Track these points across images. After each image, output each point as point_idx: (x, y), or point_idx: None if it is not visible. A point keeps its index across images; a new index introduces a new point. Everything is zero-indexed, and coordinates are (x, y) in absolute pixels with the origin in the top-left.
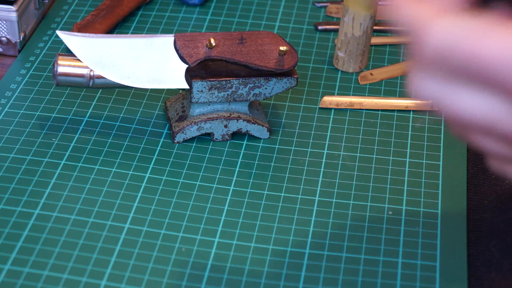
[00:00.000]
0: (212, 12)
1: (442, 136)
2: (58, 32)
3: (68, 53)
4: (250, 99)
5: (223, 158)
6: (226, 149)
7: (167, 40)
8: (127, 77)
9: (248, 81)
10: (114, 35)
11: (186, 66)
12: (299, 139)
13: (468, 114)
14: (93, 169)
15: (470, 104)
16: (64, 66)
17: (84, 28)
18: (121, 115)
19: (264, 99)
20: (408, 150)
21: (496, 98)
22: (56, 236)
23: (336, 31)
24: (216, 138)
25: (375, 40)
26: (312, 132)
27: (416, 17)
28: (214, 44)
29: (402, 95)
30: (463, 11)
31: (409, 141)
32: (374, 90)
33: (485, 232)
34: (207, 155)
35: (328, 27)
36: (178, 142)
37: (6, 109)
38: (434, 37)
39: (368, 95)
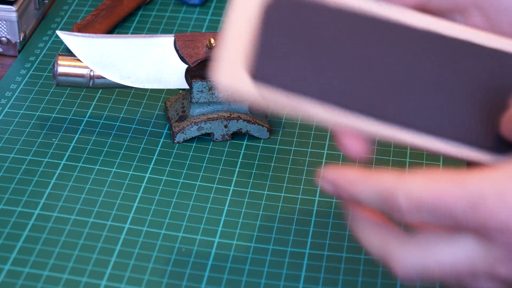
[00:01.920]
0: (212, 12)
1: None
2: (58, 32)
3: (68, 53)
4: None
5: (223, 158)
6: (226, 149)
7: (167, 40)
8: (127, 77)
9: None
10: (114, 35)
11: (186, 66)
12: (299, 139)
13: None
14: (93, 169)
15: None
16: (64, 66)
17: (84, 28)
18: (121, 115)
19: None
20: (408, 151)
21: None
22: (56, 236)
23: None
24: (216, 138)
25: None
26: (312, 132)
27: (383, 185)
28: (214, 44)
29: None
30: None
31: None
32: None
33: None
34: (207, 155)
35: None
36: (178, 142)
37: (6, 109)
38: (404, 199)
39: None
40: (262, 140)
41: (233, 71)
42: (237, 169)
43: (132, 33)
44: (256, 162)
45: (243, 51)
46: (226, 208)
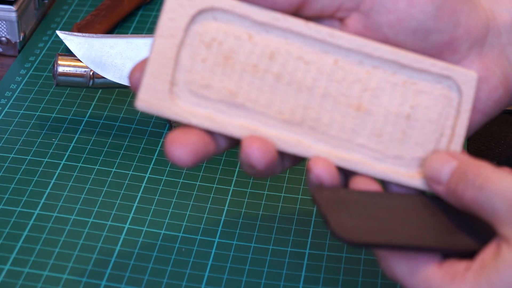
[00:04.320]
0: None
1: None
2: (58, 32)
3: (68, 53)
4: None
5: (223, 158)
6: None
7: None
8: (127, 77)
9: None
10: (114, 35)
11: None
12: None
13: None
14: (93, 169)
15: None
16: (64, 66)
17: (84, 28)
18: (121, 115)
19: None
20: None
21: None
22: (56, 236)
23: None
24: None
25: None
26: None
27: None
28: None
29: None
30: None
31: None
32: None
33: None
34: None
35: None
36: None
37: (6, 109)
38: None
39: None
40: None
41: (155, 90)
42: (237, 169)
43: (132, 33)
44: None
45: (166, 72)
46: (226, 208)
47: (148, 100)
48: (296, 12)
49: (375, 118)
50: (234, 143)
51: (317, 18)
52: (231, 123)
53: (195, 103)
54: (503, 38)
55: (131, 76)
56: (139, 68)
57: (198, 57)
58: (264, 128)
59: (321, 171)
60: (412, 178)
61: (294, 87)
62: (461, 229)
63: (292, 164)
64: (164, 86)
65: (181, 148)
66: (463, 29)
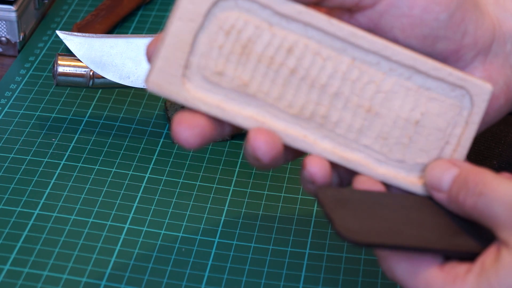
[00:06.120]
0: None
1: None
2: (58, 32)
3: (68, 53)
4: None
5: (223, 158)
6: (226, 149)
7: None
8: (127, 77)
9: None
10: (114, 35)
11: None
12: None
13: None
14: (93, 169)
15: None
16: (64, 66)
17: (84, 28)
18: (121, 115)
19: None
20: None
21: None
22: (56, 237)
23: None
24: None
25: None
26: None
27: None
28: None
29: None
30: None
31: None
32: None
33: None
34: (207, 155)
35: None
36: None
37: (6, 109)
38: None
39: None
40: None
41: (167, 74)
42: (237, 169)
43: (132, 33)
44: None
45: (180, 55)
46: (226, 208)
47: (159, 83)
48: (318, 3)
49: (384, 121)
50: (240, 128)
51: (330, 9)
52: (240, 113)
53: (206, 89)
54: (507, 47)
55: (149, 48)
56: (158, 41)
57: (215, 43)
58: (272, 120)
59: (315, 170)
60: (412, 183)
61: (307, 82)
62: (464, 230)
63: (295, 157)
64: (176, 70)
65: (188, 130)
66: (470, 38)
